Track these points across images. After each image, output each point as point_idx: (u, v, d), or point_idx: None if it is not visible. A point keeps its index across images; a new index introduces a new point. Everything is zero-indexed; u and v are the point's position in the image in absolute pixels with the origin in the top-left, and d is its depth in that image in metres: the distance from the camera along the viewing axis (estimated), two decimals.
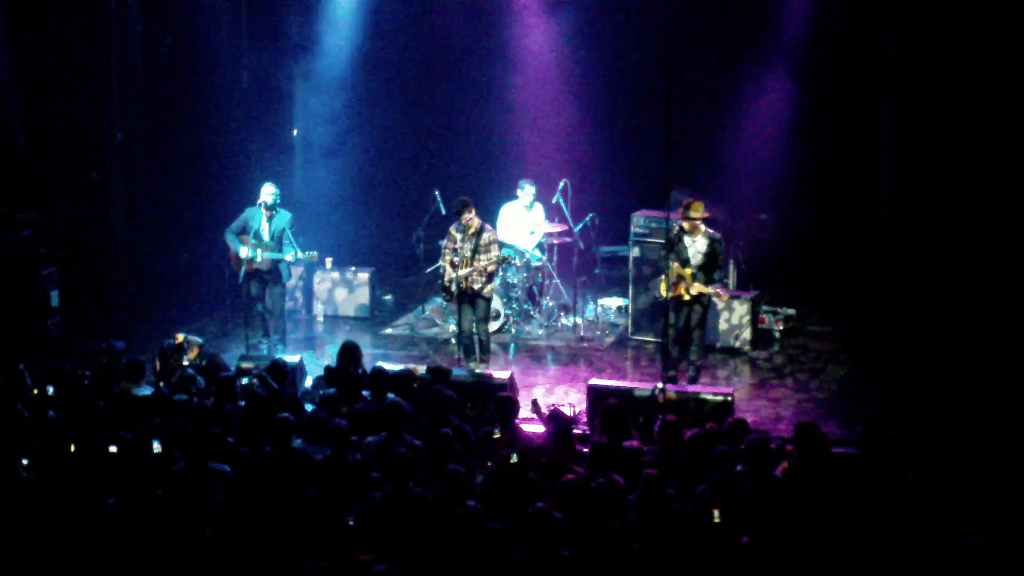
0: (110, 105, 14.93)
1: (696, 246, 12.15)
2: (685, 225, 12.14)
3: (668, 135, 15.66)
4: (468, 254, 12.56)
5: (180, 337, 11.57)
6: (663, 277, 12.22)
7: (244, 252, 12.86)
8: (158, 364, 11.49)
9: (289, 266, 13.23)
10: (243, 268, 12.92)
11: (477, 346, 12.81)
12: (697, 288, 12.07)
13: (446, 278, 12.75)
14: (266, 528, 7.54)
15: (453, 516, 7.44)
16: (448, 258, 12.70)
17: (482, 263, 12.53)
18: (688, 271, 12.09)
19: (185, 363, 11.37)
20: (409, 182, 16.71)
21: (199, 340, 11.78)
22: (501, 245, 13.03)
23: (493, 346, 13.40)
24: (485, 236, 12.60)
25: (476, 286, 12.62)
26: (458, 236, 12.65)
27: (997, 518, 7.58)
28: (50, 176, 14.80)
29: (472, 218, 12.57)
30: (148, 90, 15.35)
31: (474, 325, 12.80)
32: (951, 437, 10.50)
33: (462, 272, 12.54)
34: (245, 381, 10.52)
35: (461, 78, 16.94)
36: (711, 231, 12.24)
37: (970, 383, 12.23)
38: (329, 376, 10.79)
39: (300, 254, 12.89)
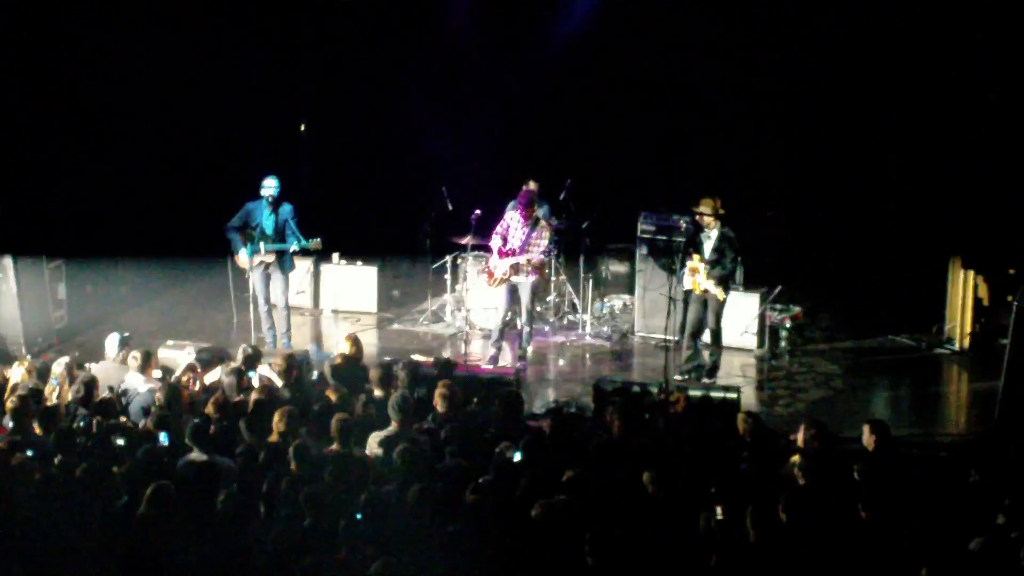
0: (117, 95, 14.96)
1: (710, 241, 12.23)
2: (700, 221, 12.24)
3: (675, 132, 15.75)
4: (518, 244, 12.62)
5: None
6: (682, 271, 12.31)
7: (242, 258, 12.86)
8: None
9: (292, 258, 13.21)
10: (248, 265, 12.93)
11: (522, 335, 13.01)
12: (706, 284, 12.12)
13: (490, 263, 12.84)
14: (270, 521, 7.55)
15: (460, 510, 7.44)
16: (497, 244, 12.78)
17: (531, 254, 12.62)
18: (703, 267, 12.14)
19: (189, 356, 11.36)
20: (417, 177, 16.71)
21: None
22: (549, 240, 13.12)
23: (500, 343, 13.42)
24: (539, 229, 12.68)
25: (522, 276, 12.69)
26: (513, 224, 12.75)
27: (998, 519, 7.57)
28: (55, 166, 14.81)
29: (532, 211, 12.69)
30: (156, 82, 15.37)
31: (510, 314, 13.01)
32: (953, 436, 10.50)
33: (509, 260, 12.62)
34: (251, 375, 10.51)
35: (470, 74, 16.94)
36: (725, 228, 12.28)
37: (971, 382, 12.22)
38: (334, 370, 10.78)
39: (304, 242, 12.87)
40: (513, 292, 12.94)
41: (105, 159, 15.17)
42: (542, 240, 12.72)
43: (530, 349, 13.24)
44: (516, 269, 12.73)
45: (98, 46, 14.87)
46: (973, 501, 7.88)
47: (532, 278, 12.82)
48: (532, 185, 14.62)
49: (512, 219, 12.84)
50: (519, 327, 13.12)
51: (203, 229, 14.81)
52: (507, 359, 13.15)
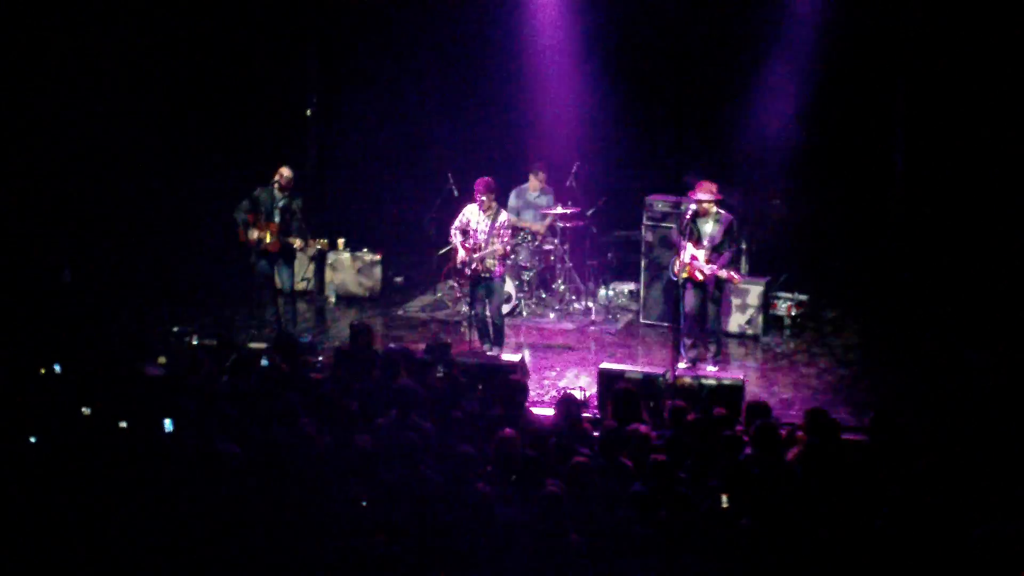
0: (123, 85, 14.97)
1: (709, 227, 12.19)
2: (698, 207, 12.18)
3: (682, 119, 15.69)
4: (483, 237, 12.53)
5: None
6: (677, 259, 12.27)
7: (253, 235, 12.87)
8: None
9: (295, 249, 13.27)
10: (253, 248, 12.94)
11: (491, 329, 12.79)
12: (710, 269, 12.10)
13: (458, 260, 12.72)
14: (275, 510, 7.56)
15: (463, 499, 7.45)
16: (459, 240, 12.66)
17: (496, 246, 12.50)
18: (702, 252, 12.12)
19: (195, 343, 11.40)
20: (422, 164, 16.70)
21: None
22: (515, 230, 13.02)
23: (505, 329, 13.39)
24: (500, 219, 12.57)
25: (491, 269, 12.59)
26: (473, 218, 12.61)
27: (1006, 506, 7.56)
28: (63, 154, 14.82)
29: (491, 201, 12.56)
30: (161, 70, 15.36)
31: (486, 308, 12.78)
32: (961, 425, 10.48)
33: (476, 255, 12.51)
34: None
35: (475, 60, 16.89)
36: (724, 213, 12.25)
37: (980, 372, 12.20)
38: (340, 357, 10.79)
39: (310, 241, 12.88)
40: (480, 286, 12.71)
41: (108, 150, 15.16)
42: (505, 230, 12.60)
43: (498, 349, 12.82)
44: (483, 263, 12.59)
45: (101, 36, 14.86)
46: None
47: (500, 270, 12.73)
48: (541, 175, 14.63)
49: (471, 212, 12.67)
50: (488, 320, 12.81)
51: (208, 216, 14.86)
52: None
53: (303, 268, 14.86)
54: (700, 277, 12.19)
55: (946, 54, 14.30)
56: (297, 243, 12.86)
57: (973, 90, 14.18)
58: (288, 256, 13.16)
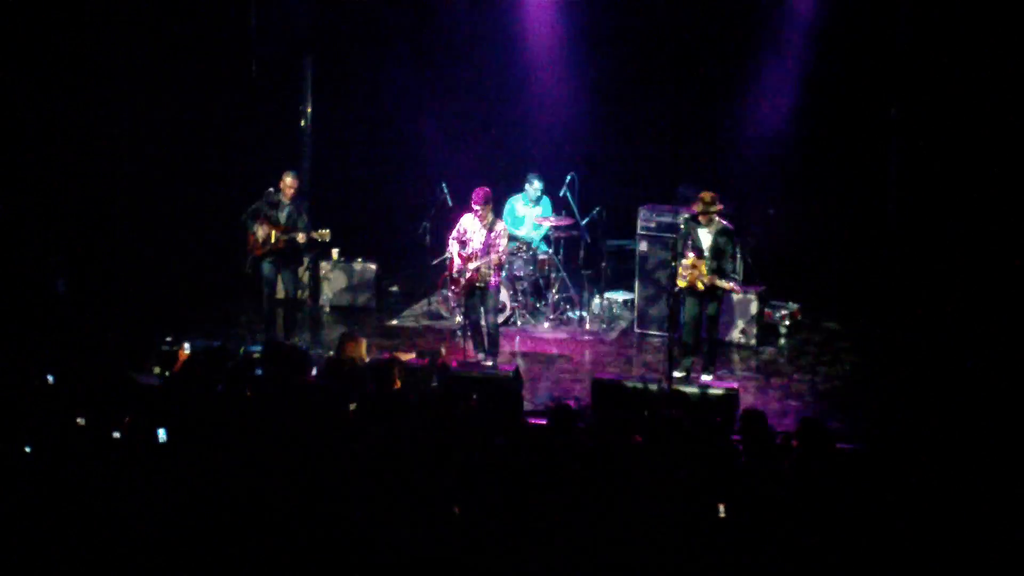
0: (118, 92, 14.97)
1: (709, 237, 12.17)
2: (700, 217, 12.16)
3: (676, 129, 15.75)
4: (479, 247, 12.54)
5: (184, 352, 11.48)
6: (677, 268, 12.25)
7: (260, 232, 12.93)
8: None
9: (301, 252, 13.32)
10: (255, 251, 12.98)
11: (485, 338, 12.80)
12: (710, 279, 12.08)
13: (454, 270, 12.73)
14: (271, 519, 7.55)
15: (459, 507, 7.44)
16: (456, 249, 12.68)
17: (492, 256, 12.50)
18: (703, 262, 12.10)
19: (189, 352, 11.37)
20: (416, 174, 16.71)
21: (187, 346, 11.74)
22: (510, 238, 13.04)
23: (499, 338, 13.40)
24: (496, 229, 12.58)
25: (485, 279, 12.60)
26: (470, 228, 12.62)
27: (1001, 517, 7.56)
28: (57, 163, 14.82)
29: (488, 211, 12.57)
30: (156, 78, 15.36)
31: (481, 317, 12.78)
32: (956, 434, 10.48)
33: (472, 265, 12.52)
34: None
35: (469, 70, 16.92)
36: (724, 223, 12.24)
37: (975, 380, 12.20)
38: (330, 367, 10.77)
39: (312, 232, 12.95)
40: (475, 295, 12.73)
41: (108, 154, 15.16)
42: (500, 240, 12.62)
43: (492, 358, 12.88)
44: (478, 272, 12.58)
45: (99, 41, 14.87)
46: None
47: (496, 279, 12.75)
48: (535, 182, 14.63)
49: (468, 222, 12.69)
50: (483, 330, 12.88)
51: (202, 225, 14.85)
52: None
53: (303, 277, 14.87)
54: (700, 287, 12.16)
55: (941, 61, 14.34)
56: (300, 236, 12.93)
57: (969, 96, 14.21)
58: (293, 259, 13.22)
